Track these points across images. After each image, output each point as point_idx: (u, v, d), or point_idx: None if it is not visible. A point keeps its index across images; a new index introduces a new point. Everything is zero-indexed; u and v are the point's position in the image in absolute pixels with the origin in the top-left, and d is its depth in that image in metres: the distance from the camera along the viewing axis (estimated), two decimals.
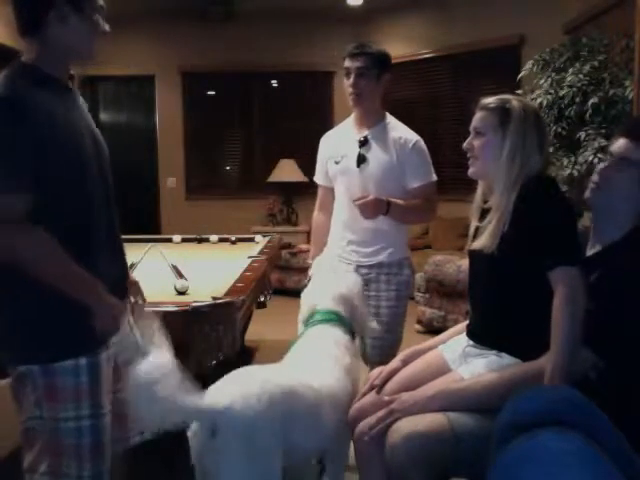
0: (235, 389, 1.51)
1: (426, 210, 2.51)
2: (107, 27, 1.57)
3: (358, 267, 2.47)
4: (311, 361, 1.84)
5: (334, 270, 2.25)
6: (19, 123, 1.38)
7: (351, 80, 2.41)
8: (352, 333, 2.06)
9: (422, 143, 2.49)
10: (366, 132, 2.48)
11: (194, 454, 1.52)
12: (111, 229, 1.64)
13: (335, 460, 1.96)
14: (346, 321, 2.04)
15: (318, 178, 2.70)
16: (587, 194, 1.69)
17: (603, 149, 3.13)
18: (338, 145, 2.55)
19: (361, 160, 2.44)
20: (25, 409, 1.52)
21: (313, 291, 2.13)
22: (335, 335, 1.97)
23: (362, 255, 2.48)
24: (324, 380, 1.75)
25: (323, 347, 1.91)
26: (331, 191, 2.64)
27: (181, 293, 2.14)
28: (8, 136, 1.38)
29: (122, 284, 1.70)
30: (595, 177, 1.67)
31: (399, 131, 2.49)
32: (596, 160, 3.19)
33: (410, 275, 2.55)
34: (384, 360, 2.36)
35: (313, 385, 1.69)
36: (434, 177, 2.50)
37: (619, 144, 1.65)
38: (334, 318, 2.01)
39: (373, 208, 2.27)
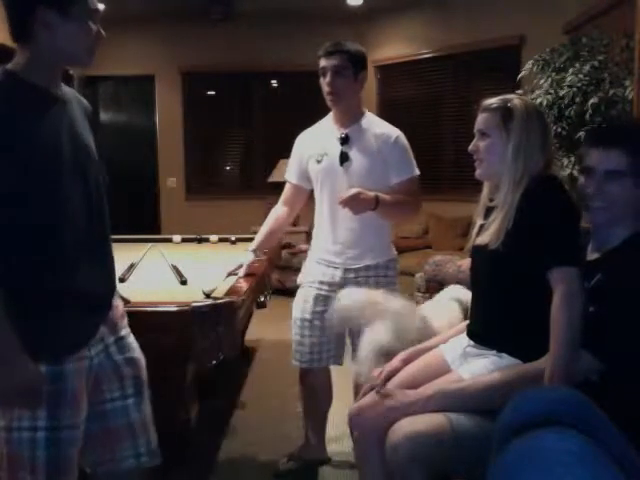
0: None
1: (411, 205, 2.44)
2: (102, 32, 1.47)
3: (345, 270, 2.44)
4: None
5: None
6: None
7: (327, 79, 2.36)
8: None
9: (403, 138, 2.44)
10: (346, 129, 2.42)
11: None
12: (96, 244, 1.55)
13: None
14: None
15: (291, 176, 2.60)
16: (587, 215, 1.65)
17: None
18: (318, 144, 2.48)
19: (344, 158, 2.39)
20: None
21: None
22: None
23: (349, 258, 2.44)
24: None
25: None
26: (301, 190, 2.58)
27: (208, 296, 2.12)
28: None
29: (106, 300, 1.61)
30: (595, 200, 1.62)
31: (379, 127, 2.45)
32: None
33: (395, 277, 2.52)
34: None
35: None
36: (417, 172, 2.45)
37: (594, 157, 1.62)
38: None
39: (361, 202, 2.22)
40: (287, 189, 2.64)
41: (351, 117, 2.44)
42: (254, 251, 2.51)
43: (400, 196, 2.37)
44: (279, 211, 2.63)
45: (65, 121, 1.48)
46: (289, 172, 2.62)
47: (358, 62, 2.39)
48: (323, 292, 2.48)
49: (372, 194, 2.25)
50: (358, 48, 2.42)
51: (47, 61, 1.43)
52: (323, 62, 2.38)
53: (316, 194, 2.54)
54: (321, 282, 2.49)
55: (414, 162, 2.45)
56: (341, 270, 2.45)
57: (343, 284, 2.43)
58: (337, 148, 2.41)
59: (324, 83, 2.39)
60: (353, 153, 2.40)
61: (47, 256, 1.43)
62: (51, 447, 1.43)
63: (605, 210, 1.62)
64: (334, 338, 2.52)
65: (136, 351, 1.66)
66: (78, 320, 1.49)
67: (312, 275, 2.53)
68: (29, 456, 1.42)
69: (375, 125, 2.46)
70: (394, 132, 2.44)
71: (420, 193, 2.47)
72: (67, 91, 1.55)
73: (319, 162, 2.46)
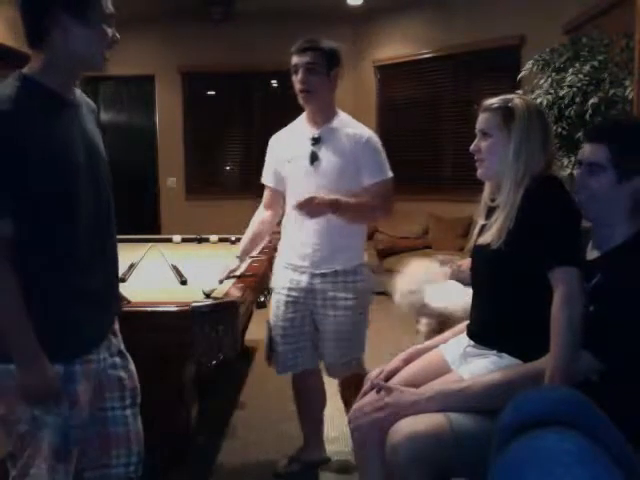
0: None
1: (380, 209, 2.39)
2: (117, 35, 1.49)
3: (312, 275, 2.40)
4: None
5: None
6: (4, 143, 1.33)
7: (299, 76, 2.32)
8: None
9: (376, 139, 2.41)
10: (318, 130, 2.40)
11: None
12: (105, 244, 1.58)
13: None
14: None
15: (267, 179, 2.56)
16: (581, 210, 1.66)
17: None
18: (290, 145, 2.46)
19: (314, 158, 2.36)
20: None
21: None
22: None
23: (316, 261, 2.39)
24: None
25: None
26: (279, 193, 2.54)
27: (208, 296, 2.11)
28: None
29: (113, 299, 1.66)
30: (579, 193, 1.65)
31: (352, 127, 2.41)
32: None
33: (365, 280, 2.45)
34: (350, 374, 2.37)
35: None
36: (389, 174, 2.40)
37: (584, 150, 1.66)
38: None
39: (315, 206, 2.19)
40: (266, 193, 2.60)
41: (324, 116, 2.41)
42: (239, 257, 2.48)
43: (368, 199, 2.34)
44: (263, 215, 2.59)
45: (78, 125, 1.51)
46: (265, 176, 2.58)
47: (331, 59, 2.34)
48: (291, 299, 2.45)
49: (331, 198, 2.21)
50: (331, 45, 2.37)
51: (62, 65, 1.44)
52: (295, 59, 2.34)
53: (287, 195, 2.49)
54: (289, 288, 2.45)
55: (387, 164, 2.41)
56: (307, 275, 2.41)
57: (310, 289, 2.41)
58: (308, 148, 2.38)
59: (296, 81, 2.35)
60: (323, 153, 2.36)
61: (63, 257, 1.45)
62: (61, 439, 1.47)
63: (587, 204, 1.63)
64: (307, 344, 2.49)
65: (132, 364, 1.70)
66: (88, 320, 1.51)
67: (280, 281, 2.50)
68: (50, 441, 1.45)
69: (348, 125, 2.41)
70: (366, 133, 2.40)
71: (393, 195, 2.43)
72: (77, 94, 1.57)
73: (290, 162, 2.43)
